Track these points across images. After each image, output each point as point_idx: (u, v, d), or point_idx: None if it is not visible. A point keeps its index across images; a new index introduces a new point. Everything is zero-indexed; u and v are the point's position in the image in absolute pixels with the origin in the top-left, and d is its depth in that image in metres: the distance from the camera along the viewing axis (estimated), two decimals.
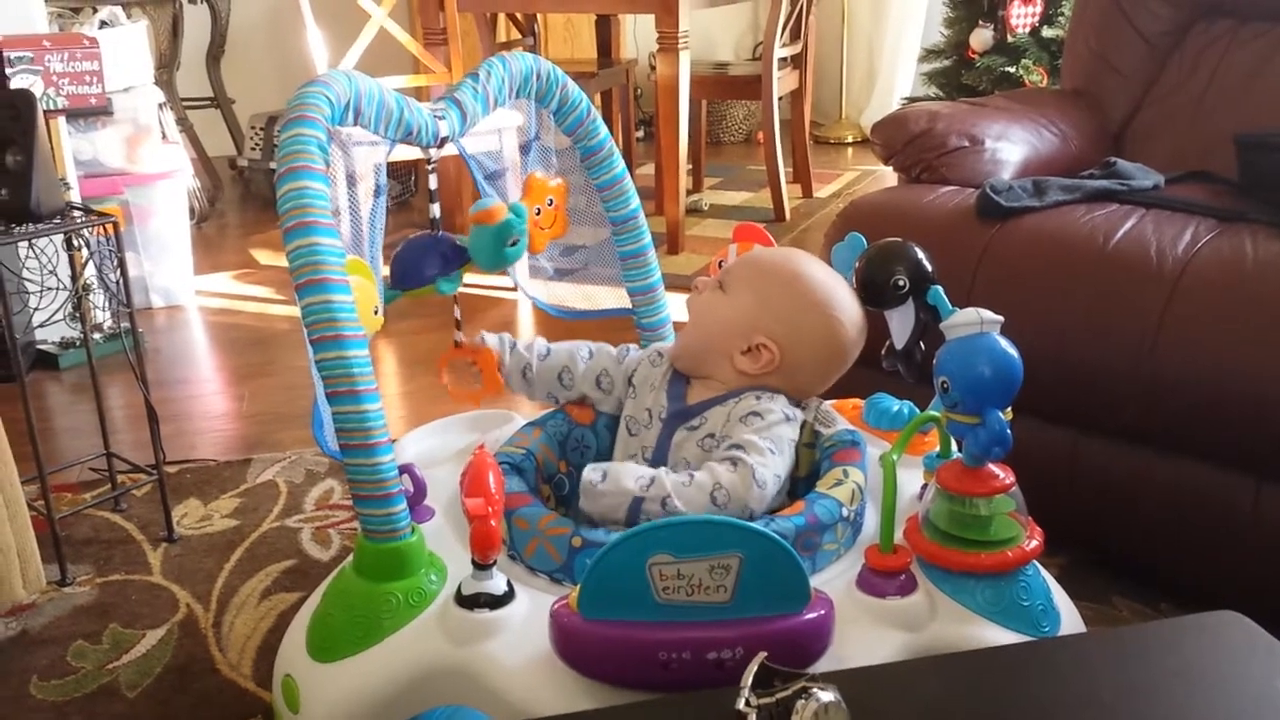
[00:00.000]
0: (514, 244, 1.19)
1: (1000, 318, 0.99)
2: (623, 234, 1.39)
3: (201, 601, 1.55)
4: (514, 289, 2.90)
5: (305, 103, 1.00)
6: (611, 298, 1.46)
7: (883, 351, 1.25)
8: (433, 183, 1.26)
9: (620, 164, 1.37)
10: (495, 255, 1.19)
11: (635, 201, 1.39)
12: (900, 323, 1.22)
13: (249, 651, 1.43)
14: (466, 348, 1.30)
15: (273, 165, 4.15)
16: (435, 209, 1.27)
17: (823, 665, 0.90)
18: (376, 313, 1.15)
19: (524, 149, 1.35)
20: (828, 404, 1.24)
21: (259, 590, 1.57)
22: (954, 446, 1.06)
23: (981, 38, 3.35)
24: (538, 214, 1.30)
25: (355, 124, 1.07)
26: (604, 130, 1.36)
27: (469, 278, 1.28)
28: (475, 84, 1.22)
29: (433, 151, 1.21)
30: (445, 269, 1.23)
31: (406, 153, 1.21)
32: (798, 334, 1.17)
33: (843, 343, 1.19)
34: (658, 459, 1.19)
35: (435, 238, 1.24)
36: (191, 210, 3.20)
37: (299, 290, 0.95)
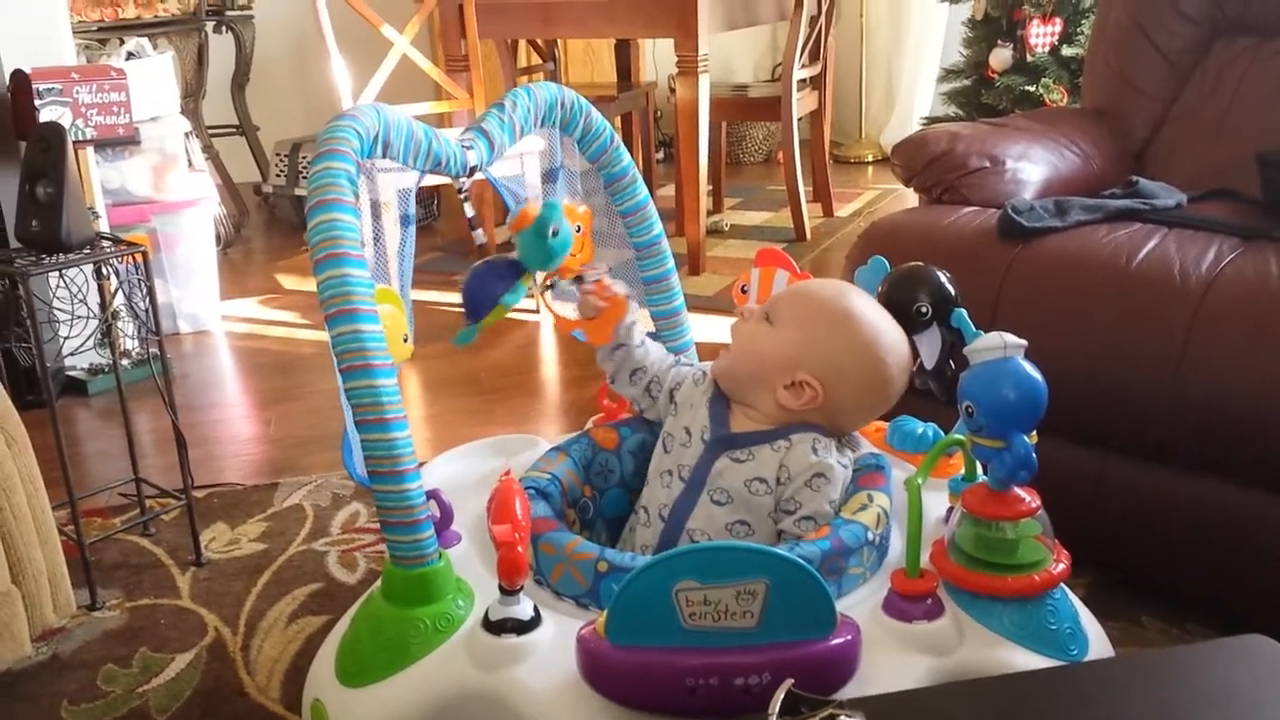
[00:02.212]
0: (555, 234, 1.19)
1: (1024, 342, 0.99)
2: (646, 259, 1.40)
3: (230, 625, 1.56)
4: (536, 311, 2.92)
5: (335, 136, 1.02)
6: None
7: (913, 370, 1.25)
8: (468, 210, 1.27)
9: (643, 190, 1.38)
10: (542, 252, 1.20)
11: (658, 227, 1.40)
12: (928, 345, 1.22)
13: (277, 675, 1.44)
14: (600, 285, 1.26)
15: (298, 191, 4.20)
16: (479, 234, 1.29)
17: (850, 691, 0.90)
18: (406, 340, 1.16)
19: (549, 176, 1.37)
20: None
21: (286, 614, 1.58)
22: (979, 470, 1.06)
23: (1001, 57, 3.35)
24: None
25: (384, 156, 1.09)
26: (627, 157, 1.37)
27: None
28: (501, 114, 1.24)
29: (463, 180, 1.22)
30: (508, 286, 1.24)
31: (429, 178, 1.23)
32: (843, 374, 1.16)
33: (887, 385, 1.18)
34: (695, 480, 1.17)
35: (490, 261, 1.25)
36: (218, 237, 3.23)
37: (329, 320, 0.97)
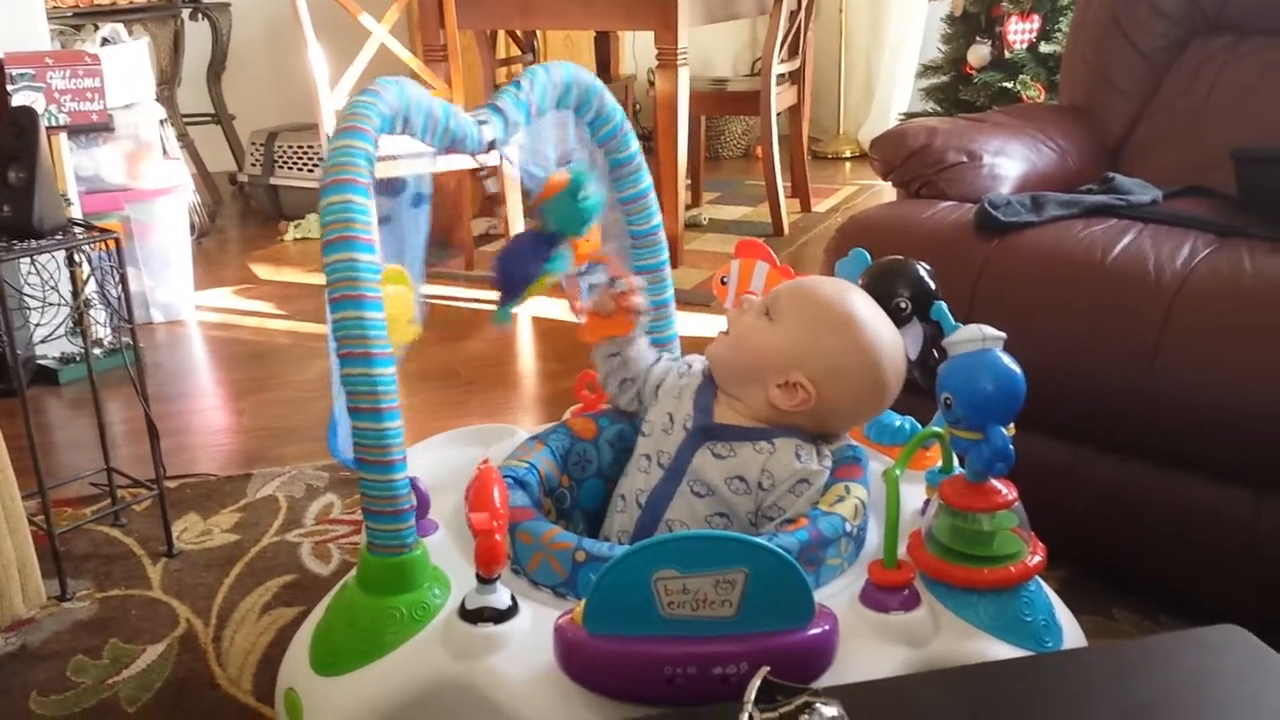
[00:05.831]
0: (587, 197, 1.18)
1: (1003, 334, 0.99)
2: (642, 248, 1.38)
3: (201, 616, 1.55)
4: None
5: (357, 113, 1.00)
6: None
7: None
8: (490, 187, 1.26)
9: (647, 178, 1.35)
10: (576, 214, 1.19)
11: (658, 217, 1.38)
12: (911, 338, 1.22)
13: (249, 666, 1.43)
14: (626, 295, 1.25)
15: (273, 181, 4.15)
16: (509, 213, 1.27)
17: (826, 680, 0.90)
18: (412, 322, 1.15)
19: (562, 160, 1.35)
20: None
21: (259, 605, 1.57)
22: (956, 462, 1.06)
23: (979, 53, 3.37)
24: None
25: (404, 132, 1.07)
26: (635, 144, 1.34)
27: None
28: (518, 91, 1.22)
29: (482, 158, 1.21)
30: (545, 256, 1.22)
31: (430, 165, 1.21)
32: (839, 379, 1.14)
33: (882, 393, 1.16)
34: (675, 469, 1.17)
35: (521, 236, 1.24)
36: (192, 226, 3.20)
37: (333, 304, 0.96)
